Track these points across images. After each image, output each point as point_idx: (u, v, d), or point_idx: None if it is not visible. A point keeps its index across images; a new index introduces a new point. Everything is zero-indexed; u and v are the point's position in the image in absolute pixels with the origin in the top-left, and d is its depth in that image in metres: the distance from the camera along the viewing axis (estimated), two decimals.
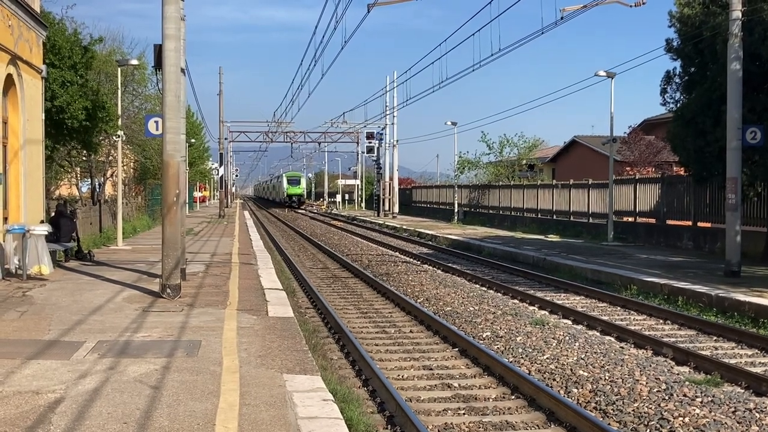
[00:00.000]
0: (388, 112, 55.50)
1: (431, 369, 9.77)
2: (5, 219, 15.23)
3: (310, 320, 13.09)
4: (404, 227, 39.08)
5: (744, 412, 7.65)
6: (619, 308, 14.38)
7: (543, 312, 13.89)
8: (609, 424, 7.52)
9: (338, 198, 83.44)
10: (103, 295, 12.38)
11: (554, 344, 10.81)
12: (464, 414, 7.89)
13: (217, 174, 67.75)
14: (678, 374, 9.23)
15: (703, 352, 10.40)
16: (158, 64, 12.54)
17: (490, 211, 42.69)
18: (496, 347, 10.90)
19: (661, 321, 13.08)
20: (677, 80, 21.55)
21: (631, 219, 28.64)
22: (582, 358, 9.96)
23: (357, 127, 66.02)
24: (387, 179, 57.67)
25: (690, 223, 24.74)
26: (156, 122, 15.75)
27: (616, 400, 8.17)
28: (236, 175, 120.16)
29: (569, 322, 12.91)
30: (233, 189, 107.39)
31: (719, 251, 20.27)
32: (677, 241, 25.03)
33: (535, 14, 19.94)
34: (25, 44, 16.17)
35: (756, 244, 20.65)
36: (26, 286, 13.27)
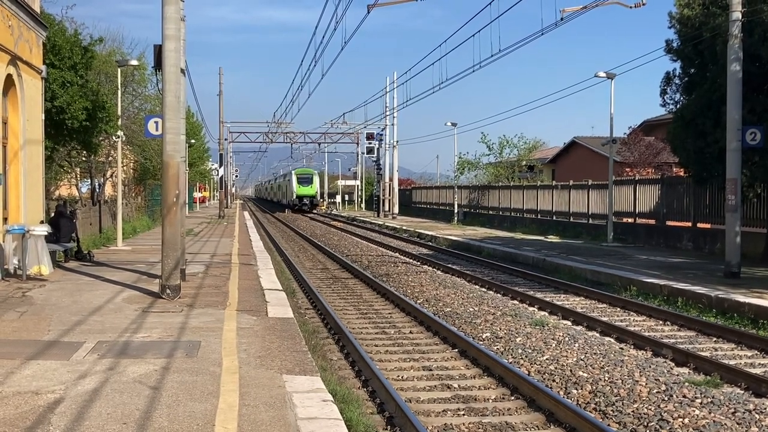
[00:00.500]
0: (388, 113, 55.50)
1: (431, 370, 9.77)
2: (5, 219, 15.24)
3: (310, 321, 13.10)
4: (404, 228, 39.07)
5: (744, 413, 7.65)
6: (618, 309, 14.38)
7: (543, 313, 13.88)
8: (608, 425, 7.52)
9: (338, 199, 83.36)
10: (102, 295, 12.38)
11: (554, 345, 10.82)
12: (464, 415, 7.89)
13: (217, 174, 67.80)
14: (678, 375, 9.23)
15: (703, 353, 10.39)
16: (158, 64, 12.54)
17: (490, 212, 42.70)
18: (495, 348, 10.91)
19: (661, 322, 13.07)
20: (677, 81, 21.55)
21: (630, 220, 28.63)
22: (582, 359, 9.96)
23: (357, 127, 65.95)
24: (387, 180, 57.65)
25: (690, 224, 24.73)
26: (156, 123, 15.76)
27: (616, 401, 8.17)
28: (236, 176, 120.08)
29: (569, 323, 12.90)
30: (233, 189, 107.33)
31: (719, 252, 20.27)
32: (677, 242, 25.03)
33: (535, 15, 19.93)
34: (25, 44, 16.17)
35: (756, 245, 20.66)
36: (26, 287, 13.27)
